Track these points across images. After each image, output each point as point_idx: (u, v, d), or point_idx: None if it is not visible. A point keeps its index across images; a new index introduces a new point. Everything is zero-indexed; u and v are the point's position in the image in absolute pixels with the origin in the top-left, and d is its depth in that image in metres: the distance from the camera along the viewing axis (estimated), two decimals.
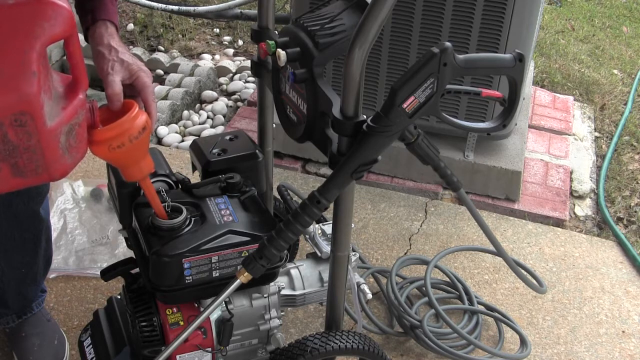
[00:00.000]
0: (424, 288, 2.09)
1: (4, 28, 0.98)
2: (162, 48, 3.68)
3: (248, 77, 3.47)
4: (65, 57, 3.32)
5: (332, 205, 1.29)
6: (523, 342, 2.01)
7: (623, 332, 2.14)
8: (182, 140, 2.98)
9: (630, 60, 4.01)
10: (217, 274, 1.35)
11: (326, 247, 1.64)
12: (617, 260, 2.43)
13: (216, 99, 3.30)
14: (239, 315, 1.46)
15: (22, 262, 1.73)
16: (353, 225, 1.49)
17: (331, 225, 1.42)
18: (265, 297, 1.50)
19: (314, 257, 1.68)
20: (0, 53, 0.98)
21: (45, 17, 1.00)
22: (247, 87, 3.39)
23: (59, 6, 1.01)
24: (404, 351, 1.99)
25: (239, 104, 3.28)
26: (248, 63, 3.57)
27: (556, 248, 2.46)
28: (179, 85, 3.28)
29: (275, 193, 1.84)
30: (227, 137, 1.61)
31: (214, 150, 1.56)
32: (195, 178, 1.58)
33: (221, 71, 3.52)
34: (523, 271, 1.73)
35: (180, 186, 1.50)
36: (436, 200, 2.65)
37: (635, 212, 2.75)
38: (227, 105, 3.26)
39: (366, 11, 1.10)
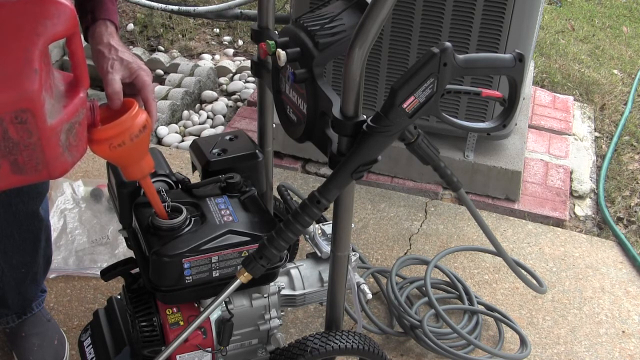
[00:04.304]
0: (424, 288, 2.09)
1: (7, 25, 0.98)
2: (162, 48, 3.68)
3: (248, 77, 3.47)
4: (65, 57, 3.33)
5: (332, 205, 1.29)
6: (523, 342, 2.01)
7: (623, 332, 2.14)
8: (182, 140, 2.98)
9: (630, 60, 4.01)
10: (217, 274, 1.35)
11: (326, 247, 1.64)
12: (617, 260, 2.43)
13: (216, 99, 3.30)
14: (239, 315, 1.46)
15: (21, 262, 1.73)
16: (353, 225, 1.49)
17: (331, 225, 1.42)
18: (265, 297, 1.49)
19: (314, 257, 1.68)
20: (2, 50, 0.98)
21: (48, 15, 1.00)
22: (247, 87, 3.39)
23: (61, 4, 1.01)
24: (404, 351, 1.99)
25: (239, 104, 3.28)
26: (248, 63, 3.57)
27: (556, 248, 2.46)
28: (179, 85, 3.28)
29: (275, 193, 1.84)
30: (227, 137, 1.61)
31: (214, 150, 1.56)
32: (195, 178, 1.58)
33: (221, 71, 3.52)
34: (523, 271, 1.73)
35: (180, 186, 1.50)
36: (436, 200, 2.65)
37: (635, 212, 2.75)
38: (227, 105, 3.26)
39: (366, 11, 1.10)
